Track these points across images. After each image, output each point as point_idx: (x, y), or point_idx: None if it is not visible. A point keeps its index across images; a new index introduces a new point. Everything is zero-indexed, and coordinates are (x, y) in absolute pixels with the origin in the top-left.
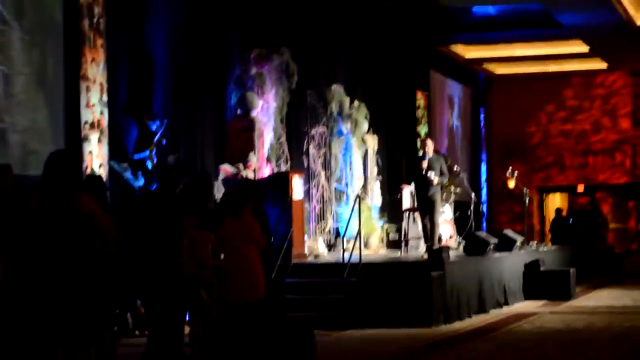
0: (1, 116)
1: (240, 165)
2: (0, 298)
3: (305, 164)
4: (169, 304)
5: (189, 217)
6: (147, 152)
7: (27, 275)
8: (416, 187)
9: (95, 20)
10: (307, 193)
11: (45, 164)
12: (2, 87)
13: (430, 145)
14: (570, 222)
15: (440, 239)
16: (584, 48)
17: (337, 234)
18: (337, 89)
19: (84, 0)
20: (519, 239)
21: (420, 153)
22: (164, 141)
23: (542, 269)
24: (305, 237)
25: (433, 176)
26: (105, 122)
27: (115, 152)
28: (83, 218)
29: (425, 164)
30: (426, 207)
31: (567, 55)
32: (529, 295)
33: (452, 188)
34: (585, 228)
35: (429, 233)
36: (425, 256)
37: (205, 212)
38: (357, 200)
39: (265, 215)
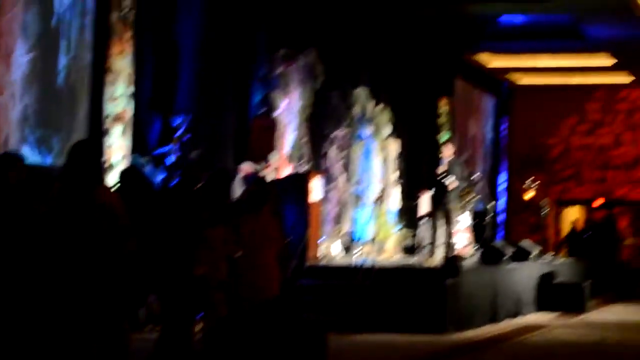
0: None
1: (262, 164)
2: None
3: (326, 166)
4: (182, 301)
5: (205, 212)
6: (169, 147)
7: (42, 266)
8: (433, 193)
9: (124, 12)
10: (326, 195)
11: (67, 154)
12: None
13: (448, 150)
14: (585, 235)
15: (453, 247)
16: (608, 61)
17: (353, 237)
18: (361, 92)
19: None
20: (535, 250)
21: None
22: (186, 137)
23: (556, 281)
24: (322, 239)
25: (450, 182)
26: (129, 115)
27: (138, 146)
28: (100, 208)
29: (442, 169)
30: (441, 214)
31: (592, 68)
32: (542, 306)
33: (470, 196)
34: (601, 242)
35: (446, 240)
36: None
37: (222, 208)
38: (375, 204)
39: (280, 215)
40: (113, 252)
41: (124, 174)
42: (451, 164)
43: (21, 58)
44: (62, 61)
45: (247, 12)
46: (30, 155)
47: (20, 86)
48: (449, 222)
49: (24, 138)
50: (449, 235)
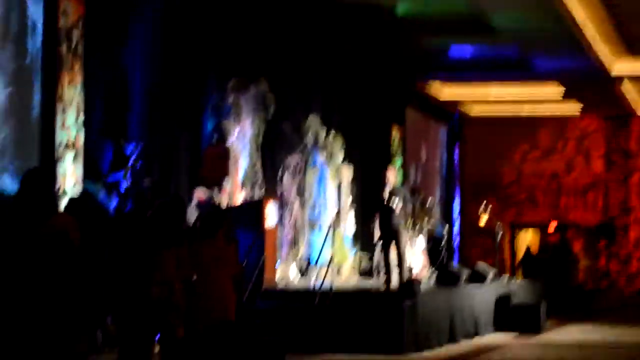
0: None
1: (215, 190)
2: None
3: (280, 192)
4: (138, 325)
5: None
6: (122, 174)
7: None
8: (380, 217)
9: (73, 45)
10: (281, 221)
11: (20, 182)
12: None
13: (391, 175)
14: (539, 253)
15: (410, 270)
16: (558, 91)
17: (309, 261)
18: (313, 120)
19: (62, 25)
20: (491, 273)
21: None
22: (139, 164)
23: (513, 302)
24: (277, 263)
25: (395, 203)
26: (80, 142)
27: (90, 173)
28: (58, 236)
29: (386, 193)
30: (389, 238)
31: (542, 97)
32: (499, 327)
33: (424, 220)
34: (557, 264)
35: (398, 262)
36: (382, 287)
37: (176, 233)
38: (330, 228)
39: (235, 240)
40: (69, 277)
41: (73, 201)
42: (396, 188)
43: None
44: (37, 96)
45: (198, 41)
46: (11, 184)
47: None
48: (398, 244)
49: (4, 168)
50: (400, 257)
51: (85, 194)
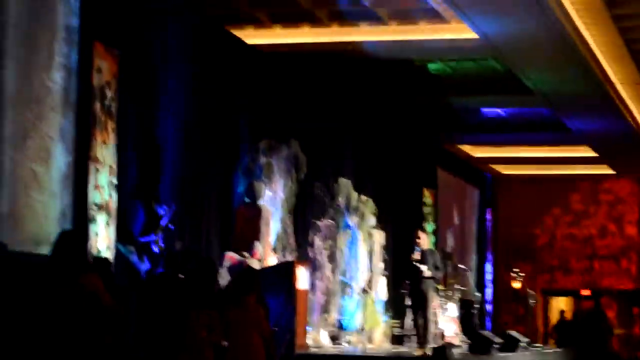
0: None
1: (246, 254)
2: None
3: (311, 255)
4: None
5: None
6: (154, 236)
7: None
8: (409, 281)
9: (107, 102)
10: (312, 284)
11: (54, 243)
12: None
13: (423, 237)
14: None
15: (443, 336)
16: (591, 153)
17: (341, 326)
18: (344, 183)
19: (97, 83)
20: (524, 340)
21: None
22: (171, 226)
23: None
24: (309, 328)
25: (425, 269)
26: (113, 204)
27: (122, 235)
28: (88, 296)
29: (417, 256)
30: (418, 302)
31: (575, 159)
32: None
33: (456, 286)
34: (591, 331)
35: (421, 329)
36: (428, 352)
37: (207, 296)
38: (362, 294)
39: (265, 304)
40: (101, 338)
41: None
42: (427, 250)
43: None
44: None
45: (230, 103)
46: None
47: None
48: (425, 309)
49: None
50: (425, 323)
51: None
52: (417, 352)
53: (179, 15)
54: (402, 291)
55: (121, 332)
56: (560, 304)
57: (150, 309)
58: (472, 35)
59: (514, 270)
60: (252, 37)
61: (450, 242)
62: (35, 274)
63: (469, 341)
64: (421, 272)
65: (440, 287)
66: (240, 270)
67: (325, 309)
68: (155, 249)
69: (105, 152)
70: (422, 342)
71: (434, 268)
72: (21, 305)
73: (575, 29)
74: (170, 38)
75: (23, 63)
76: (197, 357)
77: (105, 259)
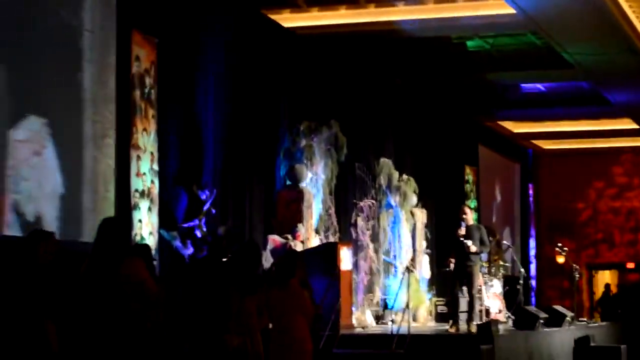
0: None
1: (289, 236)
2: None
3: (354, 236)
4: None
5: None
6: (197, 221)
7: (76, 342)
8: (454, 256)
9: (146, 90)
10: (356, 265)
11: (97, 230)
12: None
13: (468, 213)
14: (617, 293)
15: (488, 313)
16: (632, 125)
17: (385, 306)
18: (385, 162)
19: (135, 71)
20: (569, 315)
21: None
22: (213, 211)
23: (592, 344)
24: (353, 308)
25: (471, 244)
26: (155, 190)
27: (165, 221)
28: (132, 282)
29: (462, 231)
30: (461, 277)
31: (616, 131)
32: None
33: (500, 262)
34: (636, 304)
35: (469, 305)
36: (473, 329)
37: (252, 280)
38: (406, 272)
39: (309, 286)
40: (142, 324)
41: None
42: (472, 227)
43: None
44: None
45: (269, 87)
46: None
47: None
48: (470, 287)
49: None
50: (471, 300)
51: (142, 244)
52: (451, 330)
53: (215, 1)
54: (446, 269)
55: (162, 317)
56: (606, 278)
57: (195, 293)
58: (509, 10)
59: (558, 244)
60: (290, 20)
61: (492, 218)
62: (79, 261)
63: (514, 317)
64: (467, 247)
65: (484, 264)
66: (283, 253)
67: (369, 289)
68: (198, 234)
69: (146, 140)
70: (457, 321)
71: (479, 243)
72: (67, 292)
73: (614, 0)
74: (208, 23)
75: (98, 65)
76: (251, 342)
77: (146, 246)
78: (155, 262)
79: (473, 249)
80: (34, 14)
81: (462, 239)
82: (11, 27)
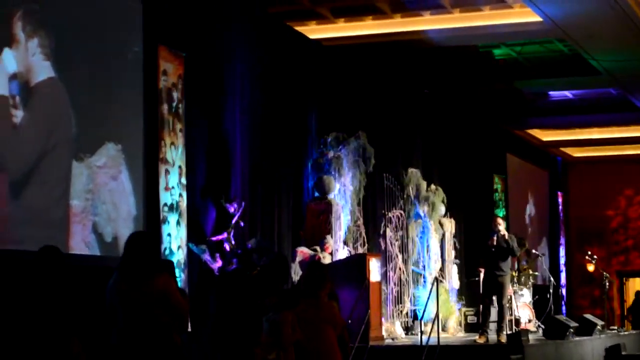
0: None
1: (317, 248)
2: None
3: (382, 247)
4: None
5: (270, 298)
6: (225, 234)
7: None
8: (485, 265)
9: (174, 104)
10: (385, 276)
11: (125, 244)
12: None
13: (501, 223)
14: None
15: (518, 322)
16: None
17: (415, 316)
18: (413, 173)
19: (163, 85)
20: (599, 323)
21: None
22: (242, 223)
23: (623, 353)
24: (383, 319)
25: (502, 254)
26: (184, 204)
27: (194, 234)
28: (163, 296)
29: (494, 242)
30: (492, 287)
31: None
32: None
33: (530, 271)
34: None
35: (499, 315)
36: (503, 339)
37: (283, 292)
38: (435, 283)
39: (337, 297)
40: (171, 338)
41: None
42: (502, 237)
43: None
44: None
45: (296, 98)
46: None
47: None
48: (501, 297)
49: None
50: (501, 310)
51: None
52: (479, 340)
53: (241, 14)
54: (475, 279)
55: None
56: (637, 285)
57: (226, 306)
58: (536, 18)
59: (588, 253)
60: (316, 32)
61: (527, 228)
62: (107, 275)
63: (544, 326)
64: (498, 258)
65: (513, 273)
66: (311, 265)
67: (398, 300)
68: (227, 247)
69: (175, 154)
70: (484, 329)
71: (510, 253)
72: (97, 306)
73: None
74: (234, 37)
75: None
76: (285, 355)
77: (170, 261)
78: (183, 276)
79: (504, 259)
80: (98, 42)
81: (492, 249)
82: (86, 60)
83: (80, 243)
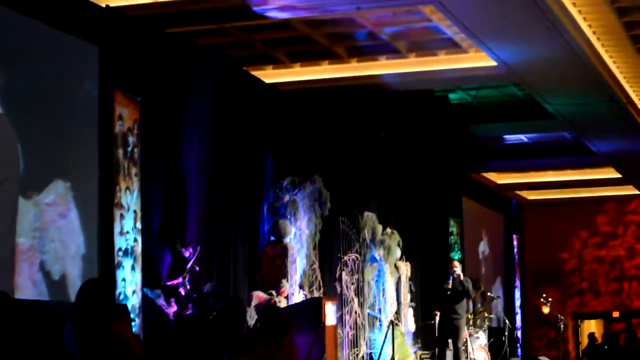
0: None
1: (273, 292)
2: None
3: (338, 290)
4: None
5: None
6: (180, 279)
7: None
8: (441, 308)
9: (129, 149)
10: (341, 319)
11: (79, 292)
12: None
13: (458, 266)
14: (606, 347)
15: None
16: (615, 174)
17: (372, 359)
18: (369, 216)
19: (118, 130)
20: None
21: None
22: (197, 268)
23: None
24: None
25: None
26: (139, 249)
27: (149, 279)
28: (119, 343)
29: (450, 284)
30: (447, 331)
31: (599, 181)
32: None
33: (485, 314)
34: (621, 353)
35: (454, 358)
36: None
37: (239, 337)
38: (391, 326)
39: (294, 342)
40: None
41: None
42: (458, 278)
43: None
44: None
45: (253, 141)
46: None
47: None
48: (456, 340)
49: None
50: (457, 351)
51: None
52: None
53: (198, 58)
54: (431, 322)
55: None
56: (591, 327)
57: (182, 351)
58: (491, 63)
59: (543, 295)
60: (272, 76)
61: (481, 270)
62: (58, 322)
63: None
64: (453, 301)
65: (469, 316)
66: (267, 309)
67: (354, 343)
68: (182, 292)
69: (130, 198)
70: None
71: (464, 296)
72: (49, 354)
73: (594, 51)
74: (191, 81)
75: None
76: None
77: (124, 305)
78: (138, 321)
79: (459, 302)
80: (53, 80)
81: (448, 292)
82: (39, 97)
83: (27, 281)
